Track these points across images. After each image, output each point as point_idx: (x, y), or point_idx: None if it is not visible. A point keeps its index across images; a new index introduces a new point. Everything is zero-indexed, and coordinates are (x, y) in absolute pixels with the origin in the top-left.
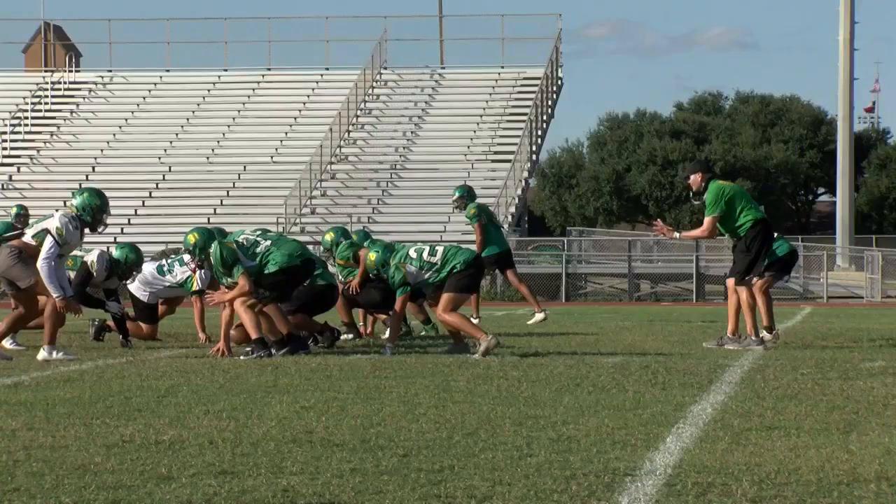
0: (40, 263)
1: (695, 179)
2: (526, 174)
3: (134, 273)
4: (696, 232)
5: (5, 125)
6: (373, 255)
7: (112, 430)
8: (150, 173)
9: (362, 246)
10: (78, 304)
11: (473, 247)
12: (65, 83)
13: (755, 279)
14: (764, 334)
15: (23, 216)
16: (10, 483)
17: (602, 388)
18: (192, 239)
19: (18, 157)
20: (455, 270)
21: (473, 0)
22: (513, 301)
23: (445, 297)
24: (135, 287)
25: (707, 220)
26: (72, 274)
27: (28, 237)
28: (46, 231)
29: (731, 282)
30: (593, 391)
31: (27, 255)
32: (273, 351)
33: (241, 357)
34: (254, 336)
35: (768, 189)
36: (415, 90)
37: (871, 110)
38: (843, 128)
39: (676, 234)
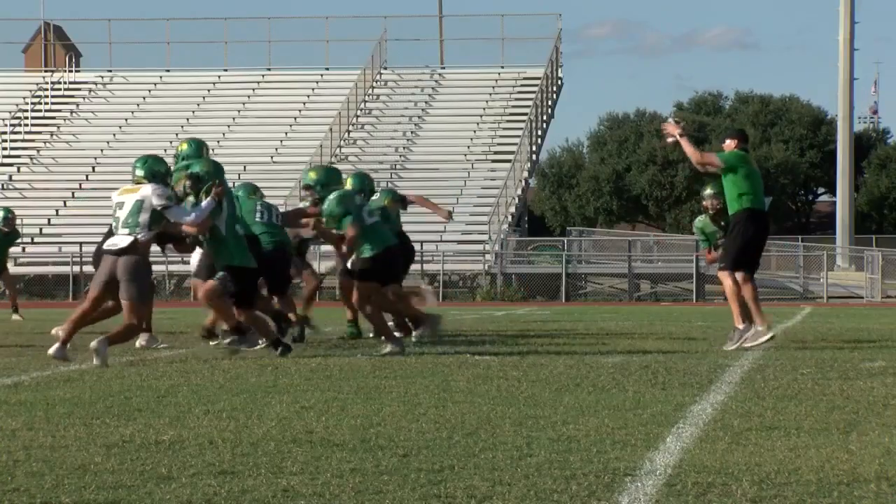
0: (193, 218)
1: (729, 145)
2: (526, 174)
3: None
4: (692, 150)
5: (5, 125)
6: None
7: (112, 430)
8: None
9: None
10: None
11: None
12: (65, 83)
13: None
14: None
15: (10, 220)
16: (10, 483)
17: (602, 388)
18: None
19: (18, 157)
20: (363, 255)
21: (473, 0)
22: (513, 301)
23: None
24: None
25: (711, 154)
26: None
27: (143, 235)
28: (164, 206)
29: (721, 274)
30: (593, 391)
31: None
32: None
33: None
34: (231, 325)
35: (768, 189)
36: (415, 90)
37: (875, 112)
38: (843, 128)
39: (678, 132)
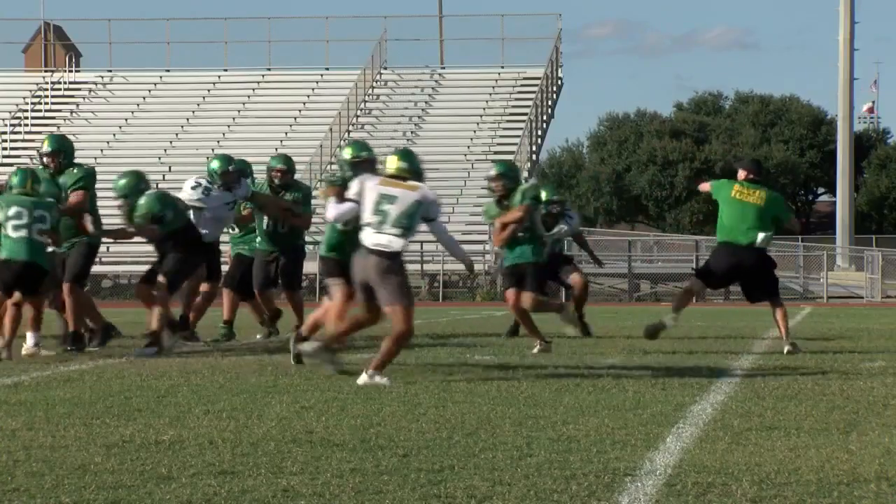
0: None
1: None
2: (526, 174)
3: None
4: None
5: (5, 125)
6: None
7: (112, 430)
8: (150, 173)
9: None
10: None
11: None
12: (65, 83)
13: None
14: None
15: None
16: (10, 483)
17: (602, 388)
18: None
19: (18, 157)
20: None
21: (473, 0)
22: None
23: None
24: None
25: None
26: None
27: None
28: (433, 219)
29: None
30: (593, 391)
31: None
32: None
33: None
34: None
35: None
36: (415, 90)
37: (871, 111)
38: (843, 128)
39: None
